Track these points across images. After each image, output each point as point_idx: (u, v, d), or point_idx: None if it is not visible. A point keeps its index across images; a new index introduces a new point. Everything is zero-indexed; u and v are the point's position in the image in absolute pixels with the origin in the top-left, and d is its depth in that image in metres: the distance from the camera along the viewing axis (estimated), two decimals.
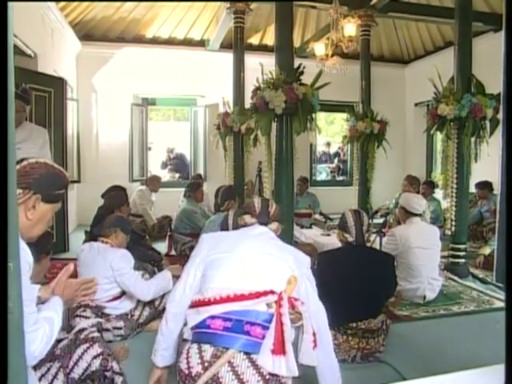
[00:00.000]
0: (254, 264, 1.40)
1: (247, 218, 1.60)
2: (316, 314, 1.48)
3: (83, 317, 2.06)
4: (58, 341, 1.52)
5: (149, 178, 5.28)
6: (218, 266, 1.40)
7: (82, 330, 1.61)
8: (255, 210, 1.60)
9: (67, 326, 1.82)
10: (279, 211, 1.68)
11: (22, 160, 1.12)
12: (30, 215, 1.10)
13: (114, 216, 2.44)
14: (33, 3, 3.80)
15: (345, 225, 2.11)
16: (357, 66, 4.79)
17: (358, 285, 2.00)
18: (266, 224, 1.60)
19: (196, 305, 1.37)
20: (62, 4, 4.80)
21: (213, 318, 1.28)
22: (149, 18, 5.63)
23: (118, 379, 1.52)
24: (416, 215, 2.89)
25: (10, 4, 0.64)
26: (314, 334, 1.33)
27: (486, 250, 3.61)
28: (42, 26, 4.21)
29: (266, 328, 1.25)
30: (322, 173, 8.06)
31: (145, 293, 2.17)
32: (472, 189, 4.69)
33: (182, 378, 1.27)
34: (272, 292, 1.30)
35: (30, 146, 2.71)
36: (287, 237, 3.02)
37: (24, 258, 0.99)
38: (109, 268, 2.14)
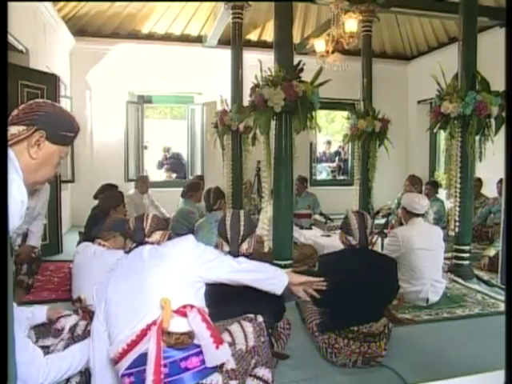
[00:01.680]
0: (132, 299, 1.32)
1: (127, 243, 1.58)
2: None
3: (66, 315, 1.99)
4: (48, 347, 1.49)
5: (136, 179, 5.07)
6: (110, 319, 1.33)
7: (75, 325, 1.55)
8: (130, 231, 1.57)
9: (53, 331, 1.75)
10: (157, 218, 1.63)
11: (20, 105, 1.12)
12: (33, 153, 1.06)
13: (115, 219, 2.38)
14: None
15: (348, 227, 2.07)
16: (358, 62, 4.72)
17: (360, 288, 1.97)
18: (141, 242, 1.53)
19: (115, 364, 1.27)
20: None
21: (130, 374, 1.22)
22: (144, 13, 5.55)
23: None
24: (418, 216, 2.85)
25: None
26: (213, 334, 1.25)
27: (491, 252, 3.55)
28: (33, 20, 4.11)
29: (195, 351, 1.23)
30: (323, 172, 7.99)
31: None
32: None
33: None
34: (154, 323, 1.22)
35: None
36: (286, 238, 2.97)
37: (16, 198, 0.92)
38: (108, 271, 2.06)
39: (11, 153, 1.03)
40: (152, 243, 1.52)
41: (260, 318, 1.54)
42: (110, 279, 1.41)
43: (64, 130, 1.13)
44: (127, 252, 1.55)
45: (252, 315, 1.54)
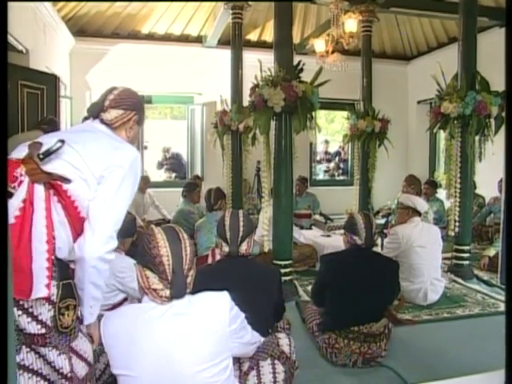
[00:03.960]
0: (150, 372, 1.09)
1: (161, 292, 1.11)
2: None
3: None
4: None
5: None
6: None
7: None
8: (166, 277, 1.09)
9: None
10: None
11: (112, 88, 1.36)
12: (128, 133, 1.36)
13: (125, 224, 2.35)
14: None
15: (354, 227, 2.06)
16: (358, 62, 4.72)
17: (361, 289, 1.97)
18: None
19: None
20: None
21: None
22: (144, 13, 5.54)
23: None
24: (417, 214, 2.88)
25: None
26: None
27: (491, 252, 3.55)
28: (33, 20, 4.10)
29: None
30: (319, 174, 7.94)
31: None
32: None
33: None
34: None
35: None
36: (286, 238, 2.97)
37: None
38: (112, 276, 2.04)
39: (108, 129, 1.31)
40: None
41: (294, 356, 1.51)
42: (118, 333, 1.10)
43: (144, 115, 1.42)
44: None
45: (288, 352, 1.51)
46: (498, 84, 2.87)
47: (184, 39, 6.06)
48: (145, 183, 4.90)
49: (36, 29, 4.19)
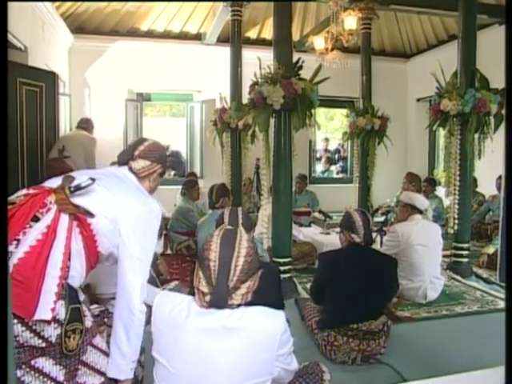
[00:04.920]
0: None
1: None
2: None
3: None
4: None
5: None
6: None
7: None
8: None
9: None
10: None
11: (142, 139, 1.50)
12: (151, 183, 1.48)
13: None
14: None
15: (352, 225, 2.06)
16: (357, 60, 4.71)
17: (359, 286, 1.97)
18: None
19: None
20: None
21: None
22: (143, 10, 5.53)
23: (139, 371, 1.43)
24: (418, 212, 2.87)
25: None
26: None
27: (490, 249, 3.56)
28: (32, 17, 4.09)
29: None
30: (321, 170, 7.91)
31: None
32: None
33: None
34: None
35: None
36: (285, 235, 2.97)
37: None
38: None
39: (134, 177, 1.42)
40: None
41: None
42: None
43: (166, 169, 1.54)
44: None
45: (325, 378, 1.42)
46: (498, 81, 2.87)
47: (183, 37, 6.04)
48: None
49: (35, 26, 4.17)
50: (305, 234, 4.02)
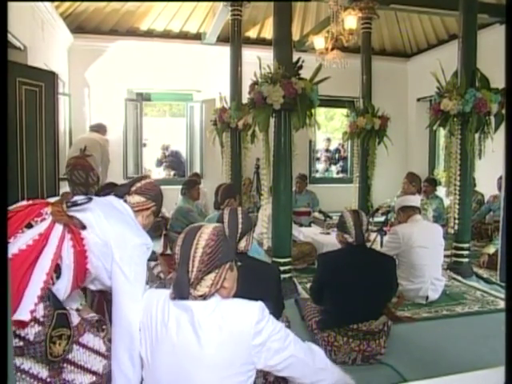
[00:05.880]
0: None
1: None
2: None
3: None
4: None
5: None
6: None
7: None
8: None
9: None
10: None
11: (141, 177, 1.58)
12: (144, 220, 1.51)
13: None
14: None
15: (344, 225, 2.07)
16: (357, 60, 4.71)
17: (359, 286, 1.97)
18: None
19: None
20: None
21: None
22: (143, 10, 5.52)
23: None
24: (415, 211, 2.85)
25: None
26: None
27: (491, 249, 3.55)
28: (31, 17, 4.08)
29: None
30: (321, 170, 7.90)
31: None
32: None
33: None
34: None
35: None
36: (285, 236, 2.97)
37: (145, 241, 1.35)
38: None
39: (131, 210, 1.45)
40: None
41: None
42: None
43: (161, 209, 1.58)
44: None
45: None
46: (498, 81, 2.86)
47: (183, 36, 6.03)
48: None
49: (34, 25, 4.16)
50: (305, 234, 4.01)
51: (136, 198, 1.50)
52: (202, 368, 1.04)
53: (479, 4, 3.56)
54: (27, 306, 1.08)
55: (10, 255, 1.09)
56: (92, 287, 1.36)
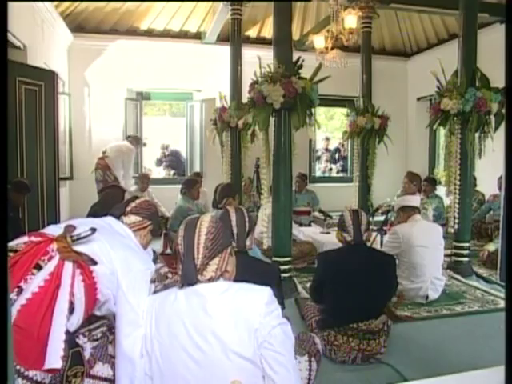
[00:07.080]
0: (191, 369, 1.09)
1: None
2: None
3: None
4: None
5: (138, 177, 5.22)
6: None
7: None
8: None
9: None
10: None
11: (135, 197, 1.61)
12: (142, 239, 1.53)
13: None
14: None
15: (343, 224, 2.09)
16: (357, 59, 4.70)
17: (359, 285, 1.98)
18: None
19: None
20: None
21: None
22: (143, 9, 5.51)
23: None
24: (415, 211, 2.85)
25: None
26: None
27: (491, 247, 3.55)
28: (31, 16, 4.08)
29: None
30: (321, 170, 7.91)
31: None
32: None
33: None
34: None
35: None
36: (285, 235, 2.97)
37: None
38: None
39: (132, 233, 1.47)
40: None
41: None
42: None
43: (157, 226, 1.62)
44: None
45: (321, 350, 1.52)
46: (499, 80, 2.85)
47: (183, 35, 6.03)
48: (146, 182, 4.97)
49: (34, 24, 4.17)
50: (305, 233, 4.02)
51: (132, 218, 1.52)
52: (221, 352, 1.04)
53: (479, 3, 3.56)
54: (57, 352, 1.07)
55: (24, 301, 1.08)
56: (98, 313, 1.35)
